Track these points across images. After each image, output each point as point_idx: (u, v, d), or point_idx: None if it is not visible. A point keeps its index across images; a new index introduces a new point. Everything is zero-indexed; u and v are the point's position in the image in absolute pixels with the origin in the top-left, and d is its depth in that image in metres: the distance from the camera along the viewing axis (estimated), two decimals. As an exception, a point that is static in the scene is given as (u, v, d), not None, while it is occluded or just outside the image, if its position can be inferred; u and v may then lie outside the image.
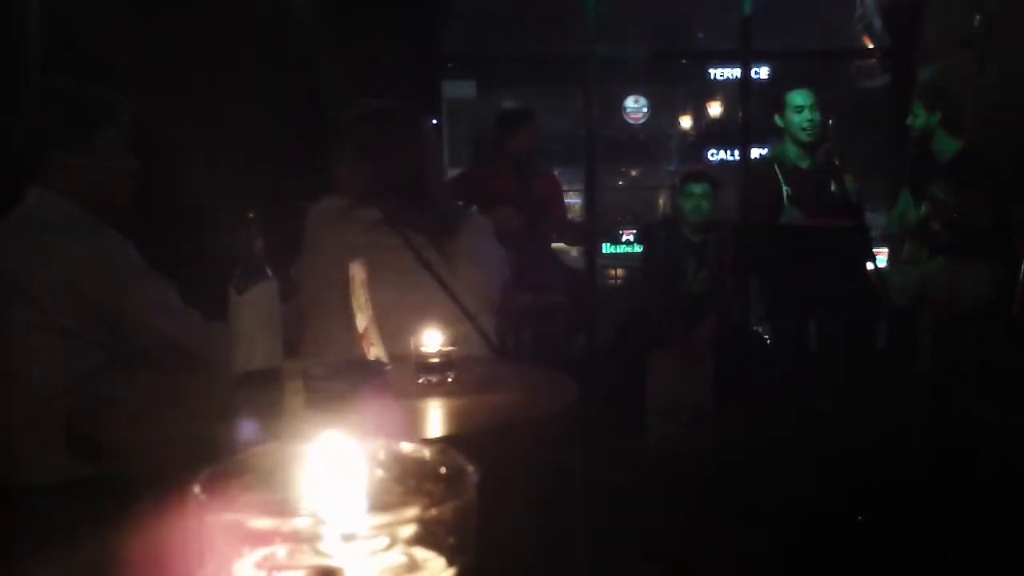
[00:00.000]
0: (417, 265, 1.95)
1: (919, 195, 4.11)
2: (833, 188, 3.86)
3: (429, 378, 1.59)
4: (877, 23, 6.18)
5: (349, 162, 2.05)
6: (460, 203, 4.06)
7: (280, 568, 0.38)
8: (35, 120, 1.92)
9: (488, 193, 4.13)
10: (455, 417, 1.56)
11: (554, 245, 4.67)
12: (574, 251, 5.62)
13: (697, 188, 4.35)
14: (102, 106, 1.93)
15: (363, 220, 1.98)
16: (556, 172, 5.25)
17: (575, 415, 1.53)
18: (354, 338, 1.70)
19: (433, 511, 0.39)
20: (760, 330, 4.83)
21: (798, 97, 4.04)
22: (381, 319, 1.71)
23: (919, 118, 4.05)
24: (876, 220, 4.54)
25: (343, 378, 1.48)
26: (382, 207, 1.99)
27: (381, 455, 0.44)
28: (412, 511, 0.39)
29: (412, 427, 1.43)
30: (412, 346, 1.62)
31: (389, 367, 1.58)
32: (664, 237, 4.45)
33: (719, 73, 9.62)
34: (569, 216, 5.21)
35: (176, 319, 1.88)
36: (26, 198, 1.88)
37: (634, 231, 7.76)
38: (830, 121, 3.76)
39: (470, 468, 0.42)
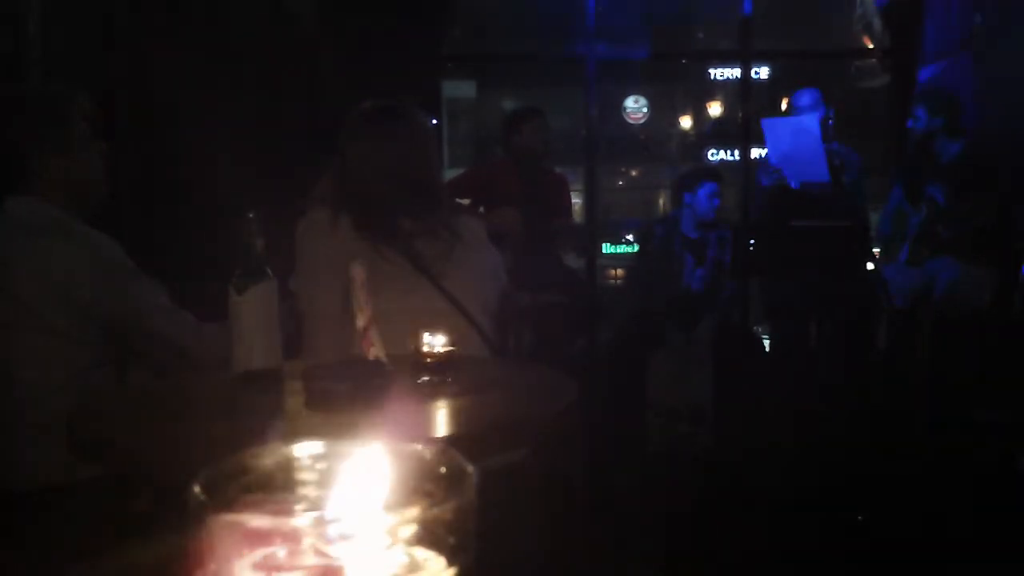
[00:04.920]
0: (413, 270, 1.95)
1: (917, 196, 4.11)
2: (833, 188, 3.86)
3: (429, 378, 1.59)
4: (877, 23, 6.18)
5: (353, 163, 2.04)
6: (465, 202, 4.06)
7: (280, 568, 0.38)
8: (4, 130, 1.91)
9: (490, 192, 4.12)
10: (455, 417, 1.55)
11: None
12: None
13: (710, 187, 4.35)
14: (65, 101, 1.93)
15: (354, 226, 1.97)
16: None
17: (575, 415, 1.52)
18: (354, 341, 1.70)
19: (433, 511, 0.39)
20: (760, 330, 4.83)
21: (804, 97, 4.04)
22: (379, 322, 1.70)
23: (920, 121, 4.03)
24: (876, 220, 4.54)
25: (343, 378, 1.48)
26: (386, 207, 1.98)
27: (381, 455, 0.44)
28: (412, 511, 0.39)
29: (412, 427, 1.43)
30: (412, 346, 1.62)
31: (389, 367, 1.58)
32: (659, 235, 4.44)
33: (719, 73, 9.63)
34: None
35: (167, 319, 1.88)
36: (5, 207, 1.87)
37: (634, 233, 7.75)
38: (830, 121, 3.75)
39: (470, 468, 0.42)
